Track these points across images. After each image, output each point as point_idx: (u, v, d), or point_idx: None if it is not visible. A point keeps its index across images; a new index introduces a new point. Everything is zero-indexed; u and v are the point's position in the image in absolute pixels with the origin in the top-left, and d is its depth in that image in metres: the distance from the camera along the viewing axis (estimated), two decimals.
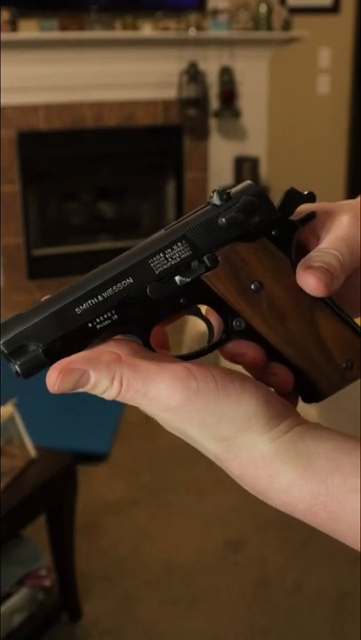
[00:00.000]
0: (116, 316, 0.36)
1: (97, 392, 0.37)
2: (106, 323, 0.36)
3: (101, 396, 0.37)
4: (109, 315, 0.36)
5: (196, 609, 1.81)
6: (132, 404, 0.37)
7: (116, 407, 2.72)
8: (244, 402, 0.36)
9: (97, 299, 0.36)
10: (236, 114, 3.99)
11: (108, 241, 4.27)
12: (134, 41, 3.79)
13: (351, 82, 4.05)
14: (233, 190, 0.37)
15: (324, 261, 0.36)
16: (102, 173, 4.13)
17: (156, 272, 0.36)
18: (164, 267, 0.36)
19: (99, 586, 1.89)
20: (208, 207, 0.36)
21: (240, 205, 0.36)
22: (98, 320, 0.36)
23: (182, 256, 0.36)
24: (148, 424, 0.43)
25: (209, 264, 0.36)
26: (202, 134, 4.02)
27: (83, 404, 2.73)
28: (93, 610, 1.81)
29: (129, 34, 3.77)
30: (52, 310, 0.37)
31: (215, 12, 3.86)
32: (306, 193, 0.37)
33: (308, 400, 0.40)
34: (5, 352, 0.37)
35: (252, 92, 4.03)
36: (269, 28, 3.93)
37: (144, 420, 0.40)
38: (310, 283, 0.35)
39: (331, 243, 0.37)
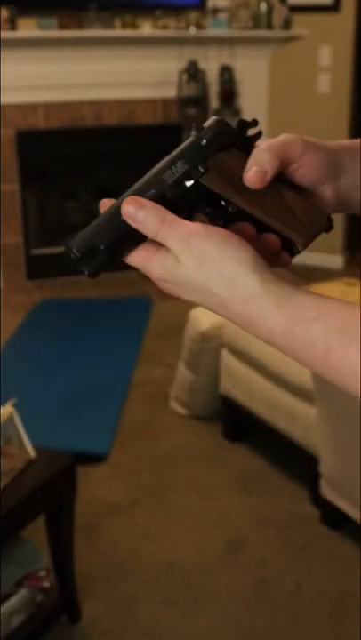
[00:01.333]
0: None
1: (142, 225, 0.51)
2: None
3: (144, 230, 0.50)
4: None
5: (196, 609, 1.81)
6: (163, 242, 0.50)
7: (116, 408, 2.71)
8: (243, 249, 0.49)
9: None
10: (236, 113, 3.97)
11: None
12: (134, 39, 3.78)
13: (352, 80, 4.04)
14: (204, 124, 0.53)
15: (257, 160, 0.51)
16: (102, 172, 4.12)
17: (169, 183, 0.52)
18: (173, 178, 0.52)
19: (98, 587, 1.88)
20: (191, 138, 0.53)
21: (213, 130, 0.52)
22: None
23: (183, 169, 0.52)
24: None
25: (202, 170, 0.52)
26: None
27: (82, 405, 2.72)
28: (93, 611, 1.80)
29: (128, 32, 3.76)
30: (106, 215, 0.52)
31: (215, 11, 3.85)
32: (251, 120, 0.54)
33: (293, 253, 0.54)
34: (78, 256, 0.51)
35: (252, 90, 4.02)
36: (270, 26, 3.92)
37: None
38: (252, 183, 0.51)
39: (267, 142, 0.53)
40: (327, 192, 0.54)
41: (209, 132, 0.52)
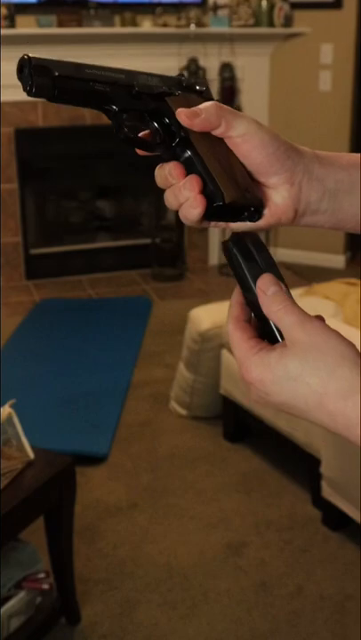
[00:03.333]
0: (108, 89, 0.53)
1: None
2: (100, 89, 0.52)
3: None
4: (104, 87, 0.53)
5: (196, 612, 1.79)
6: (280, 320, 0.49)
7: (116, 409, 2.70)
8: (346, 342, 0.46)
9: (102, 72, 0.53)
10: (236, 110, 3.96)
11: (106, 240, 4.24)
12: (134, 37, 3.77)
13: (353, 78, 4.02)
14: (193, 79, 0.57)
15: (203, 105, 0.52)
16: (101, 171, 4.10)
17: (140, 82, 0.54)
18: (145, 82, 0.54)
19: (97, 589, 1.87)
20: (174, 76, 0.57)
21: (196, 80, 0.57)
22: (97, 85, 0.52)
23: (157, 83, 0.55)
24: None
25: (173, 91, 0.55)
26: None
27: (82, 406, 2.70)
28: (92, 613, 1.79)
29: (128, 30, 3.74)
30: (75, 62, 0.52)
31: (216, 8, 3.83)
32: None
33: (210, 206, 0.51)
34: (32, 64, 0.50)
35: (253, 88, 4.01)
36: (271, 23, 3.90)
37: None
38: (182, 118, 0.51)
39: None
40: (277, 184, 0.52)
41: (192, 79, 0.57)
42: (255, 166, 0.52)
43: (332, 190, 0.53)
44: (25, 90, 0.51)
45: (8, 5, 3.50)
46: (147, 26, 3.78)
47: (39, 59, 0.51)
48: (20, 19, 3.57)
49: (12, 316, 3.55)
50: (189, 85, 0.56)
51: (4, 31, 3.47)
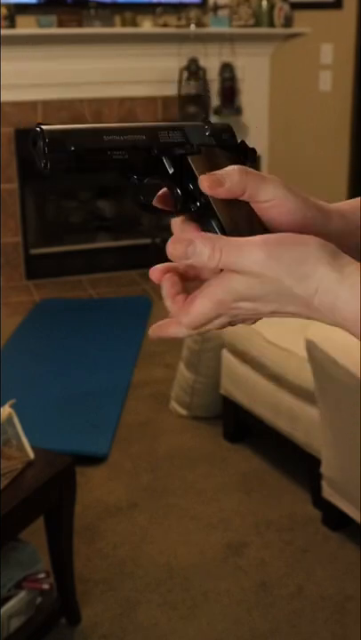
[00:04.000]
0: (127, 156, 0.50)
1: (199, 260, 0.47)
2: (119, 157, 0.50)
3: (204, 263, 0.47)
4: (123, 154, 0.50)
5: (197, 612, 1.79)
6: (229, 266, 0.47)
7: (116, 409, 2.69)
8: (310, 243, 0.46)
9: (121, 135, 0.50)
10: (237, 111, 3.96)
11: (106, 240, 4.24)
12: (134, 37, 3.77)
13: (354, 78, 4.02)
14: (214, 122, 0.54)
15: (225, 170, 0.49)
16: (101, 171, 4.10)
17: (161, 140, 0.51)
18: (166, 140, 0.51)
19: (98, 589, 1.86)
20: (197, 122, 0.53)
21: (220, 128, 0.53)
22: (115, 154, 0.50)
23: (178, 140, 0.51)
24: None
25: (195, 150, 0.52)
26: None
27: (81, 406, 2.70)
28: (92, 614, 1.79)
29: (128, 30, 3.74)
30: (92, 127, 0.49)
31: (216, 8, 3.83)
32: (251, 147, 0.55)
33: None
34: (46, 138, 0.47)
35: (253, 88, 4.01)
36: (271, 23, 3.90)
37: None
38: (203, 186, 0.49)
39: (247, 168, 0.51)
40: None
41: (216, 127, 0.53)
42: (281, 231, 0.51)
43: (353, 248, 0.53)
44: (39, 165, 0.48)
45: (8, 5, 3.50)
46: (147, 26, 3.78)
47: (53, 131, 0.47)
48: (20, 19, 3.57)
49: (11, 315, 3.55)
50: (215, 133, 0.52)
51: (4, 31, 3.47)
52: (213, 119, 3.99)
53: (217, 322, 0.49)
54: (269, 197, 0.49)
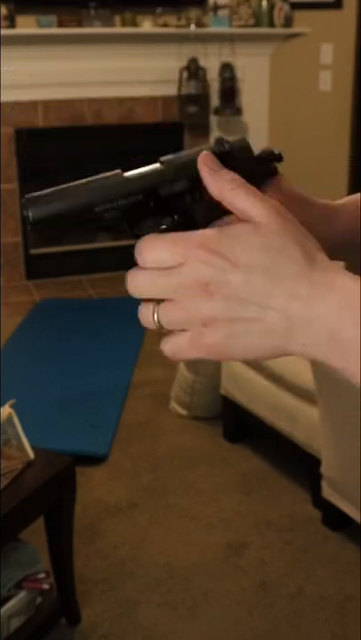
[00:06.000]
0: (120, 218, 0.46)
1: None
2: (113, 217, 0.46)
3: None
4: (116, 215, 0.45)
5: (197, 612, 1.79)
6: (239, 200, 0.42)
7: (116, 409, 2.69)
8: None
9: (112, 204, 0.46)
10: (237, 111, 3.96)
11: (106, 240, 4.24)
12: (134, 37, 3.76)
13: (353, 78, 4.02)
14: (230, 139, 0.49)
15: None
16: (101, 171, 4.09)
17: (162, 195, 0.45)
18: (168, 193, 0.45)
19: (98, 589, 1.86)
20: (214, 145, 0.48)
21: (238, 145, 0.48)
22: (107, 214, 0.46)
23: (183, 187, 0.45)
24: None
25: (195, 198, 0.46)
26: (202, 131, 3.99)
27: (82, 406, 2.70)
28: (92, 614, 1.79)
29: (128, 30, 3.73)
30: (79, 204, 0.46)
31: (216, 8, 3.82)
32: (277, 153, 0.51)
33: None
34: (34, 221, 0.44)
35: (253, 88, 4.00)
36: (271, 23, 3.89)
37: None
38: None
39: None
40: None
41: (234, 146, 0.48)
42: None
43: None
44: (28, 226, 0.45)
45: (8, 5, 3.50)
46: (147, 26, 3.78)
47: (38, 209, 0.44)
48: (20, 19, 3.57)
49: (11, 315, 3.55)
50: (228, 159, 0.47)
51: (4, 31, 3.47)
52: (213, 119, 3.99)
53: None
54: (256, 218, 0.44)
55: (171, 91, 3.85)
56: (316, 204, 0.53)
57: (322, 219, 0.54)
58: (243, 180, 0.43)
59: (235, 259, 0.41)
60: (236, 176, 0.43)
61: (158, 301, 0.44)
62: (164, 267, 0.42)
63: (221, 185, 0.43)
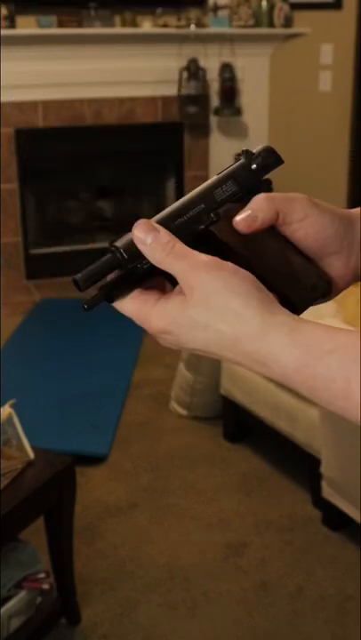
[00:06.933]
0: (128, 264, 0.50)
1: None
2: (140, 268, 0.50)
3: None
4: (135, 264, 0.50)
5: (197, 613, 1.79)
6: (170, 267, 0.47)
7: (116, 409, 2.69)
8: (249, 282, 0.47)
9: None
10: (236, 111, 3.96)
11: (106, 240, 4.24)
12: (134, 37, 3.76)
13: (353, 78, 4.01)
14: (254, 150, 0.53)
15: (252, 205, 0.50)
16: (101, 171, 4.10)
17: (218, 200, 0.51)
18: (222, 197, 0.51)
19: (98, 589, 1.86)
20: (241, 160, 0.52)
21: (263, 156, 0.53)
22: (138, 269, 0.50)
23: (233, 190, 0.52)
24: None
25: (211, 219, 0.51)
26: (202, 132, 3.99)
27: (81, 406, 2.70)
28: (92, 614, 1.79)
29: (128, 30, 3.73)
30: (115, 279, 0.51)
31: (216, 8, 3.83)
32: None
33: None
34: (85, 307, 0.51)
35: (253, 88, 4.01)
36: (271, 24, 3.89)
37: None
38: (241, 227, 0.50)
39: (270, 194, 0.51)
40: (336, 263, 0.51)
41: (259, 157, 0.53)
42: (313, 248, 0.51)
43: None
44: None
45: (8, 6, 3.50)
46: (147, 26, 3.78)
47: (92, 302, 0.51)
48: (20, 19, 3.57)
49: (11, 315, 3.54)
50: (259, 164, 0.52)
51: (4, 31, 3.47)
52: (213, 119, 3.99)
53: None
54: (301, 216, 0.49)
55: (171, 91, 3.85)
56: (340, 214, 0.53)
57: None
58: (172, 244, 0.47)
59: (184, 342, 0.49)
60: (168, 239, 0.48)
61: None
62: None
63: (153, 255, 0.48)
